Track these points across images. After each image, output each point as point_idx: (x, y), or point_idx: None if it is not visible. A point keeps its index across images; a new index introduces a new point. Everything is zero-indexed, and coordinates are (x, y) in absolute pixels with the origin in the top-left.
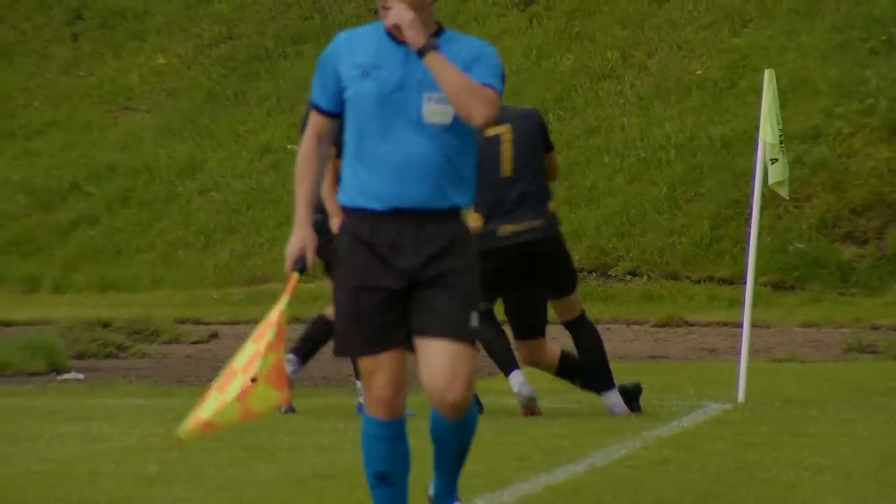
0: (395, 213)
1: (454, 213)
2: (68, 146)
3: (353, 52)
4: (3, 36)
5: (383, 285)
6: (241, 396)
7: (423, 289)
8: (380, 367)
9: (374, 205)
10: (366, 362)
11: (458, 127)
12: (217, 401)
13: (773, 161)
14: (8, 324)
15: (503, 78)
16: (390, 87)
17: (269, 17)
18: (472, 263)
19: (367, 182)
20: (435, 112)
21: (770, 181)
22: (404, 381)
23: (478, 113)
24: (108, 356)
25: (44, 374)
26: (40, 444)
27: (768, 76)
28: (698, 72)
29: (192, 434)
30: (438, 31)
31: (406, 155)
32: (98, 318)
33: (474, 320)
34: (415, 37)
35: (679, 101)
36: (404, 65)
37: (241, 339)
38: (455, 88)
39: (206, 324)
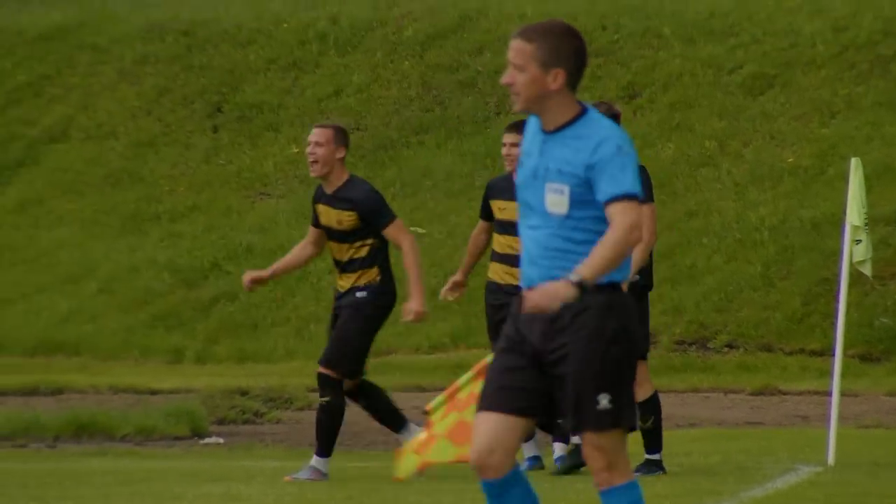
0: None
1: None
2: (209, 229)
3: (525, 138)
4: (150, 127)
5: (516, 353)
6: (420, 448)
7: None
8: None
9: (521, 283)
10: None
11: (575, 216)
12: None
13: (858, 242)
14: (154, 392)
15: (631, 156)
16: (529, 175)
17: (393, 109)
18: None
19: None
20: (554, 202)
21: (854, 260)
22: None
23: (634, 238)
24: (245, 422)
25: (187, 439)
26: (183, 503)
27: (854, 164)
28: (790, 160)
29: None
30: (578, 115)
31: (532, 239)
32: (237, 386)
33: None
34: (556, 301)
35: (772, 187)
36: (540, 154)
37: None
38: (618, 255)
39: None
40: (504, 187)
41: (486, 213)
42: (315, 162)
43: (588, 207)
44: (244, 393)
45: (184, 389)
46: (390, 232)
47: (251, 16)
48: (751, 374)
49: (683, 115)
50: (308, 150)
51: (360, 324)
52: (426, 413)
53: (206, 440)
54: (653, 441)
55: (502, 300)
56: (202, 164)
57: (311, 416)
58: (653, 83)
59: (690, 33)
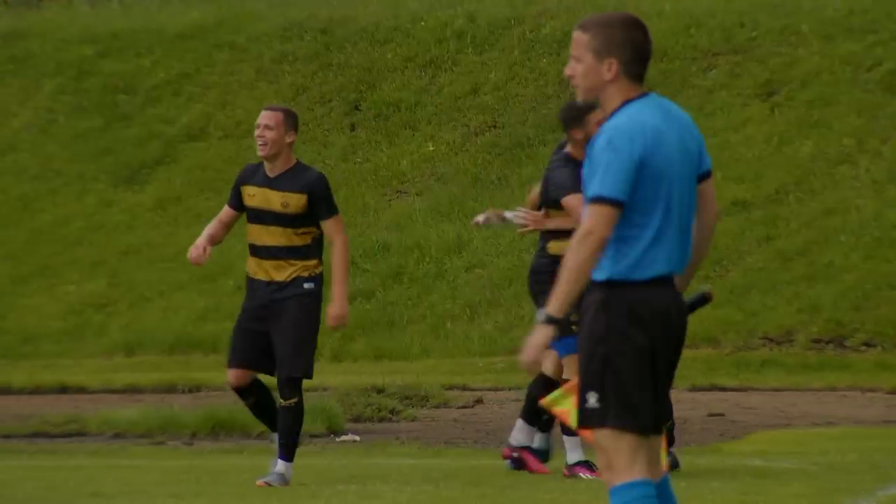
0: None
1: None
2: (346, 226)
3: None
4: None
5: None
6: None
7: None
8: None
9: None
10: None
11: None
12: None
13: None
14: None
15: (618, 152)
16: None
17: (530, 107)
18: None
19: None
20: None
21: None
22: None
23: (589, 243)
24: (381, 419)
25: (323, 437)
26: (320, 501)
27: None
28: None
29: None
30: (618, 107)
31: None
32: (373, 384)
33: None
34: (536, 349)
35: None
36: None
37: (503, 405)
38: (575, 271)
39: (472, 390)
40: None
41: None
42: (264, 144)
43: None
44: (380, 391)
45: (320, 387)
46: (330, 224)
47: (389, 14)
48: (889, 372)
49: (821, 113)
50: (257, 132)
51: (313, 318)
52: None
53: (342, 438)
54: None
55: None
56: (339, 162)
57: (447, 414)
58: (791, 80)
59: (829, 30)
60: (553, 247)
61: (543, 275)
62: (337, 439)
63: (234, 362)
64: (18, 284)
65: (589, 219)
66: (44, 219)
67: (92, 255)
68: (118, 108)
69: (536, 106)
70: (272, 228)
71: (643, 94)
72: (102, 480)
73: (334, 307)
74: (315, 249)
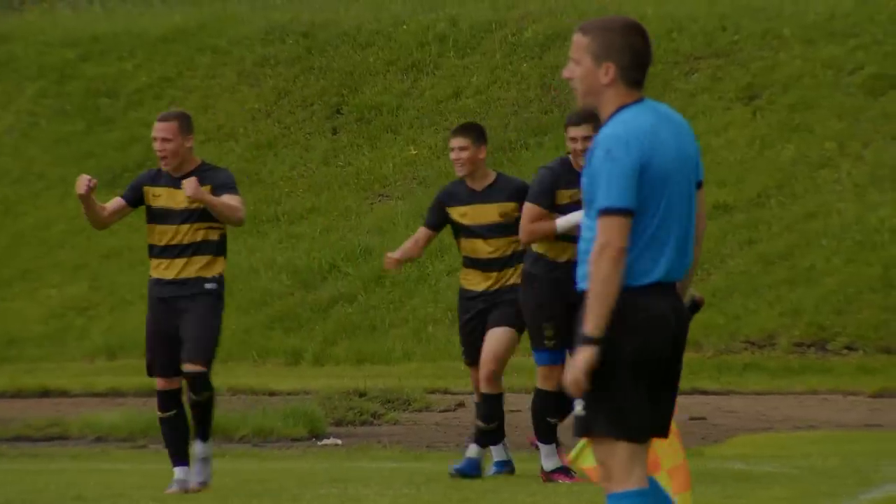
0: None
1: None
2: (328, 230)
3: None
4: (270, 129)
5: None
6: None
7: None
8: None
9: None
10: None
11: (589, 219)
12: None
13: None
14: (272, 393)
15: (617, 162)
16: None
17: (511, 111)
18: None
19: None
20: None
21: None
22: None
23: (607, 257)
24: (363, 423)
25: (305, 440)
26: None
27: None
28: None
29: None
30: (614, 112)
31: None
32: (355, 388)
33: None
34: (578, 371)
35: (892, 188)
36: None
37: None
38: (602, 286)
39: (454, 394)
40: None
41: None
42: (165, 157)
43: (595, 212)
44: (362, 394)
45: (302, 391)
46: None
47: (371, 17)
48: (870, 376)
49: (803, 117)
50: (156, 146)
51: (218, 317)
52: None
53: (324, 441)
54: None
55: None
56: (321, 165)
57: (428, 418)
58: (772, 84)
59: (810, 34)
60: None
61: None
62: (319, 443)
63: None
64: (0, 288)
65: (602, 233)
66: (26, 222)
67: (73, 258)
68: (100, 112)
69: (518, 110)
70: (170, 227)
71: (639, 100)
72: (84, 484)
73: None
74: (223, 246)
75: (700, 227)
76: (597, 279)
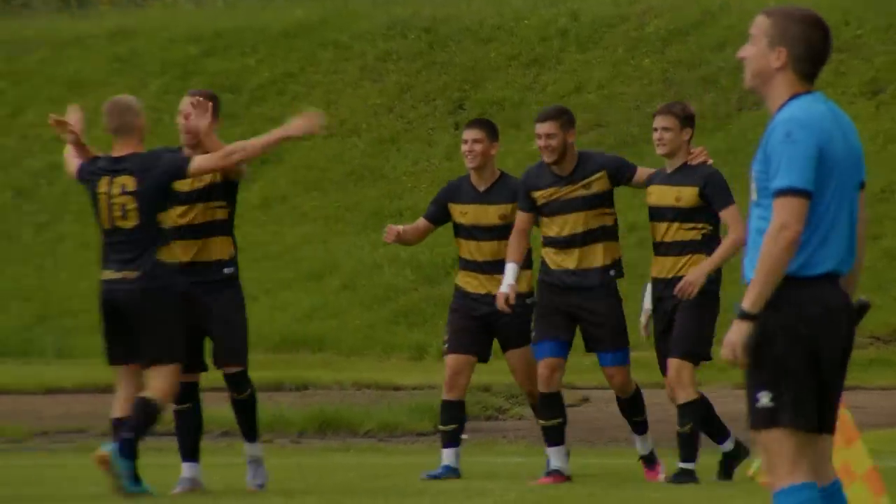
0: None
1: None
2: (451, 225)
3: None
4: (392, 125)
5: None
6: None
7: None
8: None
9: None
10: None
11: (763, 204)
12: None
13: None
14: (397, 388)
15: (799, 144)
16: None
17: (633, 105)
18: None
19: None
20: (752, 188)
21: None
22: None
23: (783, 239)
24: (488, 418)
25: (430, 434)
26: (425, 499)
27: None
28: None
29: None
30: (786, 102)
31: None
32: (480, 383)
33: None
34: (733, 346)
35: None
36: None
37: (610, 403)
38: (770, 263)
39: (579, 388)
40: None
41: None
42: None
43: (769, 196)
44: (487, 389)
45: (426, 385)
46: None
47: (492, 12)
48: None
49: None
50: (181, 121)
51: (243, 306)
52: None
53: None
54: (688, 449)
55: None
56: (444, 160)
57: None
58: None
59: None
60: None
61: None
62: None
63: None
64: None
65: (780, 213)
66: None
67: None
68: (223, 108)
69: (640, 105)
70: (179, 207)
71: (811, 92)
72: (209, 479)
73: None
74: (232, 224)
75: (861, 230)
76: (768, 257)
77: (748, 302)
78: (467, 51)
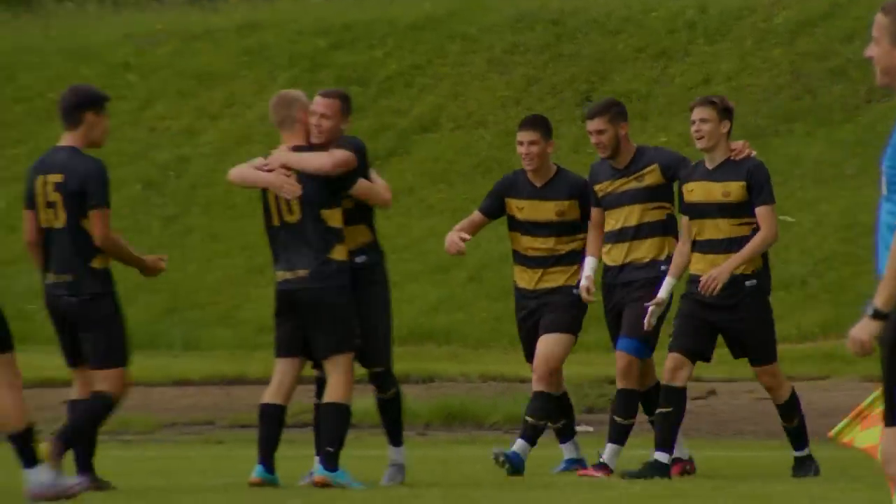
0: None
1: None
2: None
3: None
4: (519, 117)
5: None
6: (862, 422)
7: None
8: None
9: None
10: None
11: (893, 199)
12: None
13: None
14: (523, 380)
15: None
16: None
17: (762, 97)
18: None
19: None
20: (882, 182)
21: None
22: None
23: None
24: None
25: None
26: (553, 491)
27: None
28: None
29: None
30: None
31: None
32: (605, 375)
33: None
34: (858, 345)
35: None
36: None
37: (737, 396)
38: None
39: (705, 381)
40: None
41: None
42: (321, 133)
43: None
44: (612, 381)
45: None
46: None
47: (620, 4)
48: None
49: None
50: (314, 121)
51: (386, 307)
52: (830, 439)
53: (576, 429)
54: (798, 439)
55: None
56: (570, 153)
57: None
58: None
59: None
60: None
61: None
62: None
63: None
64: (254, 274)
65: None
66: None
67: None
68: (351, 100)
69: (769, 96)
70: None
71: None
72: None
73: None
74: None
75: None
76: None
77: (880, 300)
78: (595, 43)
